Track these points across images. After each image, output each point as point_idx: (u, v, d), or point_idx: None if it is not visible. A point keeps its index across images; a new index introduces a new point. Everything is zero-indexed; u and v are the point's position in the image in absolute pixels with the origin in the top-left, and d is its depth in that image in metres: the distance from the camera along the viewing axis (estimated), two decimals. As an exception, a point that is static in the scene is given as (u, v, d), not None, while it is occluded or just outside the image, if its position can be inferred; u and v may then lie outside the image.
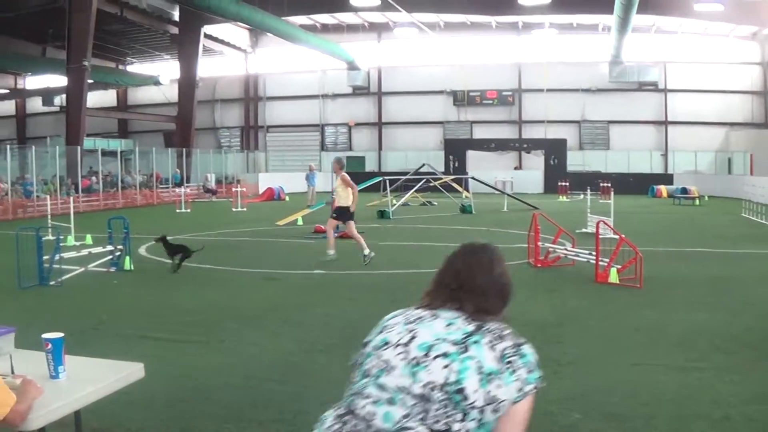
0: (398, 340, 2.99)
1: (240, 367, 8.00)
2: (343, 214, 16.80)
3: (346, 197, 16.75)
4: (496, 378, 2.83)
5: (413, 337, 2.97)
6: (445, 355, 2.87)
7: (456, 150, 54.66)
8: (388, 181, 32.33)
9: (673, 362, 8.24)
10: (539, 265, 15.58)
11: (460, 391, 2.80)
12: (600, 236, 14.65)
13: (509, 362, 2.88)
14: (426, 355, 2.89)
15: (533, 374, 2.92)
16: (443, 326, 3.00)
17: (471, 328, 2.98)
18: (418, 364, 2.88)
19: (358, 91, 61.01)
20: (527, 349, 2.98)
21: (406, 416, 2.81)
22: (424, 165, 38.17)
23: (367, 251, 16.05)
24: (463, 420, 2.79)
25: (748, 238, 22.02)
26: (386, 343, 3.02)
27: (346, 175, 16.87)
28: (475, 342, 2.91)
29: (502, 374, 2.85)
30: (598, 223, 15.29)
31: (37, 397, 3.63)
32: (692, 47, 56.29)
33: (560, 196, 45.75)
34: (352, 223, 16.77)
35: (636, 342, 9.19)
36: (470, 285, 3.14)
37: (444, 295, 3.15)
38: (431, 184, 36.56)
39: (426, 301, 3.19)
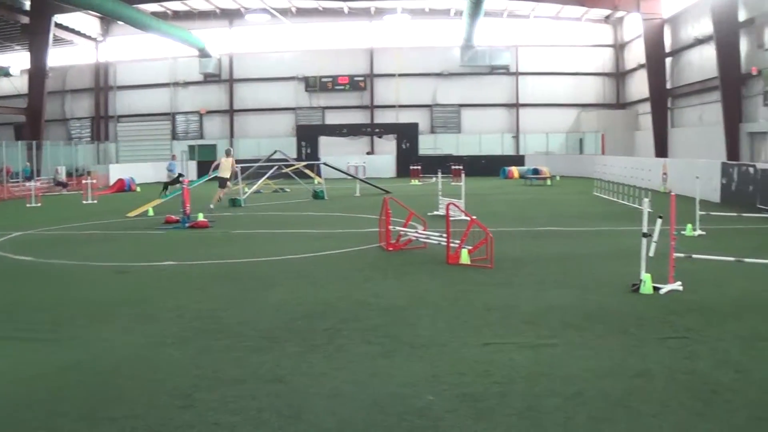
0: None
1: (92, 364, 7.74)
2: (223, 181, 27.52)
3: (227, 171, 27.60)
4: None
5: None
6: None
7: (308, 136, 54.47)
8: (240, 169, 31.83)
9: (525, 340, 8.23)
10: (391, 249, 15.50)
11: None
12: (451, 218, 14.70)
13: None
14: None
15: None
16: None
17: None
18: None
19: (210, 79, 59.89)
20: None
21: None
22: (276, 152, 37.76)
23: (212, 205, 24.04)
24: None
25: (598, 216, 22.70)
26: None
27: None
28: None
29: None
30: (448, 206, 15.40)
31: None
32: (544, 31, 58.00)
33: (413, 180, 46.28)
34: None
35: (488, 321, 9.16)
36: None
37: None
38: (283, 171, 36.23)
39: None
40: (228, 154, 28.44)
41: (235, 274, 13.06)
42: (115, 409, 6.35)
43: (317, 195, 32.07)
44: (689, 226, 17.64)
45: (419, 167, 47.92)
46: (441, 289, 11.35)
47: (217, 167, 28.36)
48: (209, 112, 60.26)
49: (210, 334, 8.76)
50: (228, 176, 27.67)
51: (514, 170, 49.16)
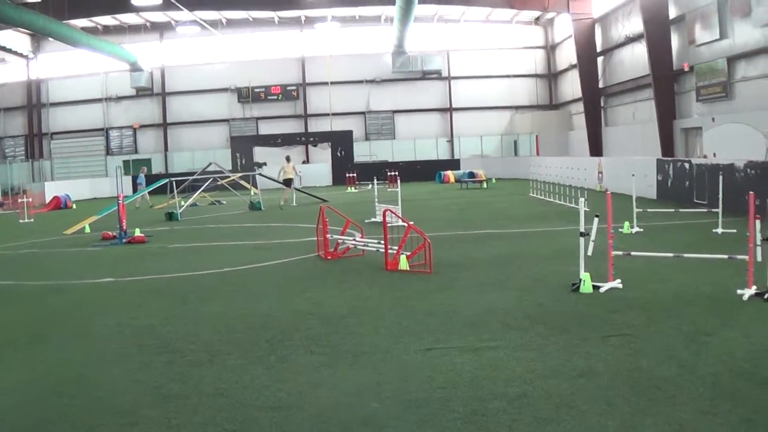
0: None
1: (33, 385, 7.60)
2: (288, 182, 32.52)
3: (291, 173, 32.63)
4: None
5: None
6: None
7: (243, 147, 54.09)
8: (175, 183, 31.48)
9: (467, 344, 8.25)
10: (329, 258, 15.45)
11: None
12: (388, 224, 14.69)
13: None
14: None
15: None
16: None
17: None
18: None
19: (142, 93, 59.01)
20: None
21: None
22: (210, 164, 37.42)
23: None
24: None
25: (534, 216, 22.93)
26: None
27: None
28: None
29: None
30: (384, 212, 15.38)
31: None
32: (475, 34, 58.46)
33: (348, 187, 46.16)
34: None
35: (429, 327, 9.15)
36: None
37: None
38: (219, 183, 35.94)
39: None
40: (288, 160, 33.75)
41: (174, 288, 12.88)
42: (59, 430, 6.27)
43: (254, 206, 31.83)
44: (627, 223, 17.91)
45: (355, 174, 47.83)
46: (381, 295, 11.33)
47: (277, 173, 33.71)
48: (143, 126, 59.34)
49: (150, 349, 8.63)
50: (292, 177, 32.78)
51: (450, 174, 49.37)
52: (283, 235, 20.91)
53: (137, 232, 21.75)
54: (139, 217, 29.44)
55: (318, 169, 54.38)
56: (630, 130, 43.66)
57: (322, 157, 56.81)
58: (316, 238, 16.76)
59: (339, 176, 52.19)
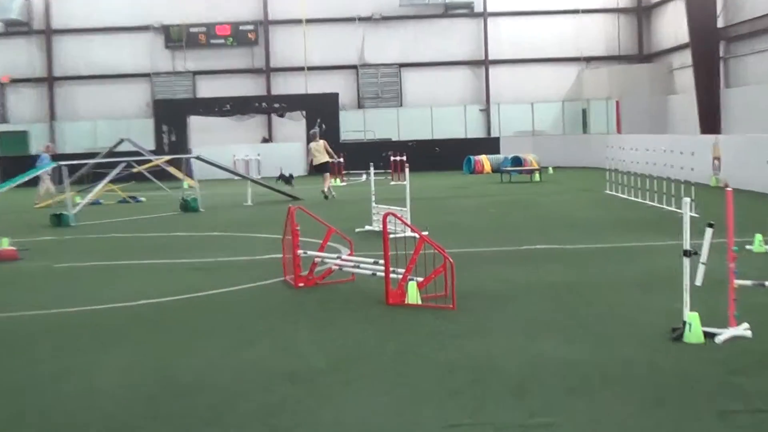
0: None
1: None
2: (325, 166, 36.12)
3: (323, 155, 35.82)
4: None
5: None
6: None
7: (172, 116, 54.25)
8: (66, 168, 31.34)
9: (510, 419, 8.13)
10: (302, 285, 15.43)
11: None
12: (391, 236, 14.65)
13: None
14: None
15: None
16: None
17: None
18: None
19: (13, 29, 59.18)
20: None
21: None
22: (122, 141, 37.43)
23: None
24: None
25: (613, 224, 23.06)
26: None
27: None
28: None
29: None
30: (385, 217, 15.14)
31: None
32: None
33: (332, 179, 45.91)
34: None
35: (452, 390, 9.06)
36: None
37: None
38: (135, 171, 35.87)
39: None
40: (315, 137, 37.12)
41: (61, 330, 12.85)
42: None
43: (188, 205, 31.79)
44: (758, 237, 17.82)
45: (341, 160, 47.82)
46: (379, 342, 11.28)
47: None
48: (15, 82, 59.46)
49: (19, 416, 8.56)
50: (328, 159, 36.28)
51: (485, 160, 49.43)
52: (232, 250, 20.99)
53: (4, 244, 21.69)
54: (10, 219, 29.35)
55: (286, 151, 54.54)
56: (765, 92, 43.22)
57: (292, 133, 56.95)
58: (282, 256, 16.74)
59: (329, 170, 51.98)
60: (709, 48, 47.41)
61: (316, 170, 36.87)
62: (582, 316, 12.29)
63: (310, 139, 38.19)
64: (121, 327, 12.84)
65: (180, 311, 14.01)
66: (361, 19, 58.48)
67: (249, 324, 12.70)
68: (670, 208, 24.97)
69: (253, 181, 35.66)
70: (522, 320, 12.16)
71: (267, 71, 59.27)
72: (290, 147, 54.88)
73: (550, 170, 45.59)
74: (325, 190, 35.48)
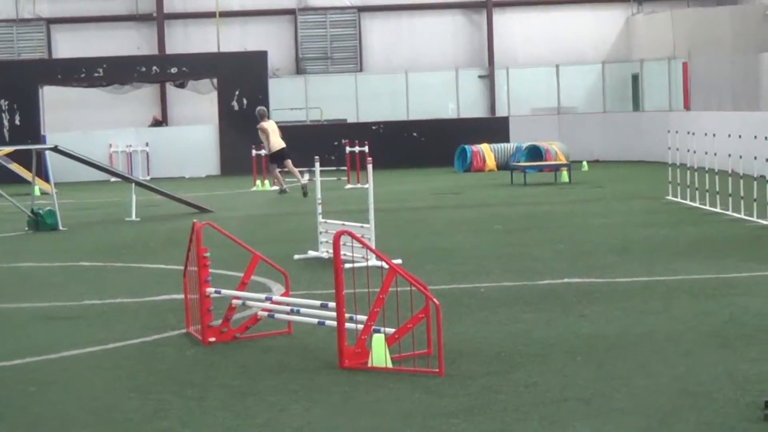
0: None
1: None
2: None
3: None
4: None
5: None
6: None
7: (15, 86, 54.02)
8: None
9: None
10: (213, 340, 15.42)
11: None
12: (345, 266, 14.69)
13: None
14: None
15: None
16: None
17: None
18: None
19: None
20: None
21: None
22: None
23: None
24: None
25: (678, 246, 23.29)
26: None
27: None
28: None
29: None
30: (338, 236, 15.11)
31: None
32: None
33: (258, 181, 46.36)
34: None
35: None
36: None
37: None
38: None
39: None
40: (264, 116, 43.96)
41: None
42: None
43: (41, 221, 31.79)
44: None
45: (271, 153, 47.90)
46: (328, 430, 11.23)
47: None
48: None
49: None
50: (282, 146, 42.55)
51: (487, 152, 49.52)
52: (106, 289, 20.98)
53: None
54: None
55: (188, 138, 54.88)
56: None
57: (199, 112, 56.94)
58: (183, 296, 16.71)
59: (236, 157, 52.72)
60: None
61: (273, 159, 41.67)
62: (633, 387, 12.13)
63: (257, 118, 42.02)
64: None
65: (22, 382, 13.75)
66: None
67: (130, 404, 12.42)
68: (765, 222, 25.08)
69: (139, 184, 35.62)
70: (542, 394, 12.04)
71: (159, 18, 59.24)
72: (195, 132, 54.90)
73: (585, 166, 45.81)
74: (303, 180, 39.98)
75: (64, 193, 35.14)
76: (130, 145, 48.11)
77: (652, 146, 46.01)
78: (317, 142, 45.20)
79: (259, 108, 44.65)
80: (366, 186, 24.10)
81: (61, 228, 31.34)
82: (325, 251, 21.97)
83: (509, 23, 58.46)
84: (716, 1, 58.22)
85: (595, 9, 58.47)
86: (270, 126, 41.90)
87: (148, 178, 39.83)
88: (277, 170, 41.52)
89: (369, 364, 13.37)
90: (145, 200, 34.91)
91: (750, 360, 12.79)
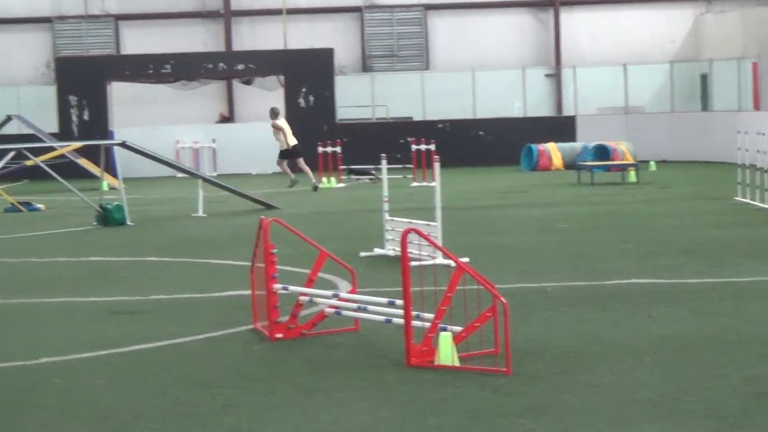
0: None
1: None
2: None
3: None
4: None
5: None
6: None
7: (84, 82, 54.19)
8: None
9: None
10: (280, 336, 15.42)
11: None
12: (412, 263, 14.63)
13: None
14: None
15: None
16: None
17: None
18: None
19: None
20: None
21: None
22: (9, 119, 37.56)
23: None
24: None
25: (748, 247, 23.10)
26: None
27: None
28: None
29: None
30: (405, 235, 15.07)
31: None
32: None
33: (325, 179, 46.39)
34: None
35: None
36: None
37: None
38: (28, 163, 35.99)
39: None
40: (277, 114, 45.39)
41: None
42: None
43: (109, 216, 31.82)
44: None
45: (338, 150, 47.76)
46: (396, 426, 11.23)
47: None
48: None
49: None
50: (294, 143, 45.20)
51: (553, 151, 49.41)
52: (174, 284, 21.06)
53: None
54: None
55: (254, 135, 54.49)
56: None
57: (265, 109, 56.82)
58: (250, 292, 16.73)
59: (303, 153, 52.06)
60: None
61: (284, 156, 42.55)
62: (703, 389, 12.07)
63: (273, 116, 43.30)
64: (18, 400, 12.80)
65: (96, 376, 13.81)
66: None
67: (197, 397, 12.53)
68: None
69: (206, 180, 35.64)
70: (610, 396, 12.01)
71: (226, 15, 59.36)
72: (262, 129, 54.84)
73: (652, 166, 45.60)
74: (314, 179, 40.30)
75: (132, 188, 35.24)
76: (197, 142, 48.27)
77: (721, 147, 45.79)
78: (383, 140, 45.11)
79: (272, 107, 45.77)
80: (432, 184, 24.09)
81: (128, 223, 31.45)
82: (391, 249, 21.98)
83: (576, 22, 58.39)
84: (788, -3, 57.88)
85: (664, 8, 58.31)
86: (284, 124, 43.59)
87: (214, 174, 39.93)
88: (285, 164, 43.49)
89: (436, 363, 13.34)
90: (212, 196, 34.96)
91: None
